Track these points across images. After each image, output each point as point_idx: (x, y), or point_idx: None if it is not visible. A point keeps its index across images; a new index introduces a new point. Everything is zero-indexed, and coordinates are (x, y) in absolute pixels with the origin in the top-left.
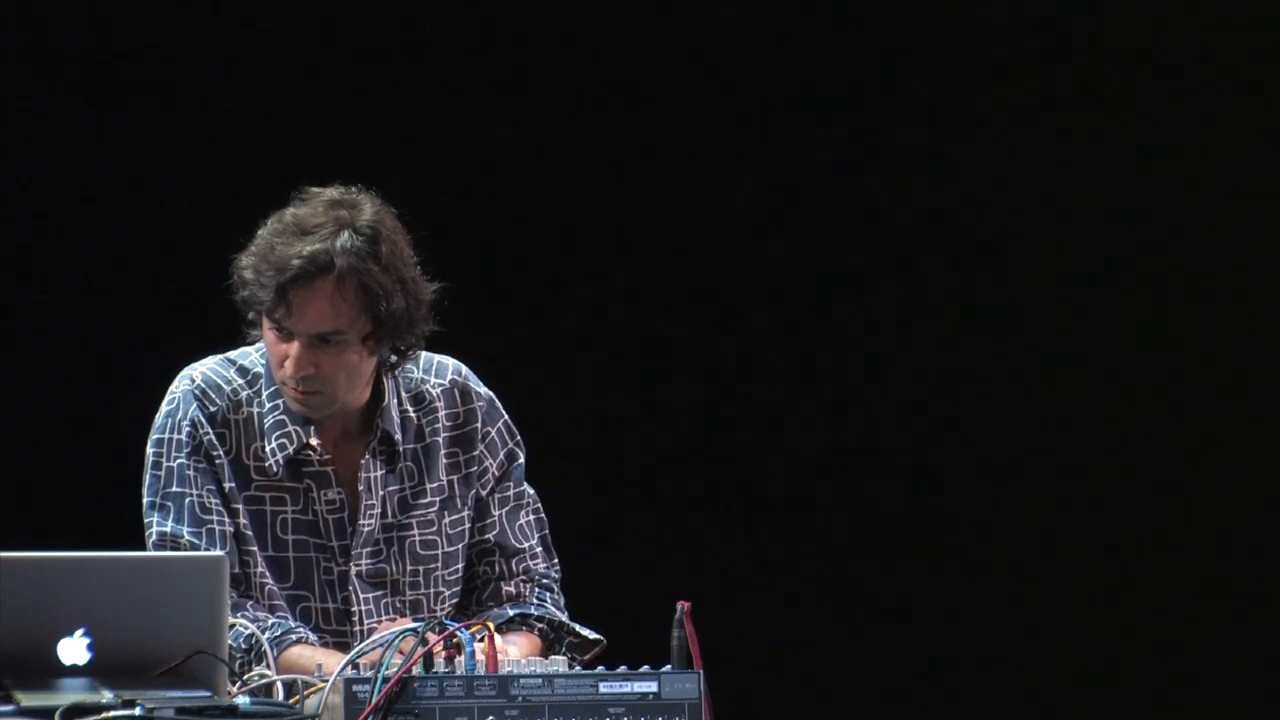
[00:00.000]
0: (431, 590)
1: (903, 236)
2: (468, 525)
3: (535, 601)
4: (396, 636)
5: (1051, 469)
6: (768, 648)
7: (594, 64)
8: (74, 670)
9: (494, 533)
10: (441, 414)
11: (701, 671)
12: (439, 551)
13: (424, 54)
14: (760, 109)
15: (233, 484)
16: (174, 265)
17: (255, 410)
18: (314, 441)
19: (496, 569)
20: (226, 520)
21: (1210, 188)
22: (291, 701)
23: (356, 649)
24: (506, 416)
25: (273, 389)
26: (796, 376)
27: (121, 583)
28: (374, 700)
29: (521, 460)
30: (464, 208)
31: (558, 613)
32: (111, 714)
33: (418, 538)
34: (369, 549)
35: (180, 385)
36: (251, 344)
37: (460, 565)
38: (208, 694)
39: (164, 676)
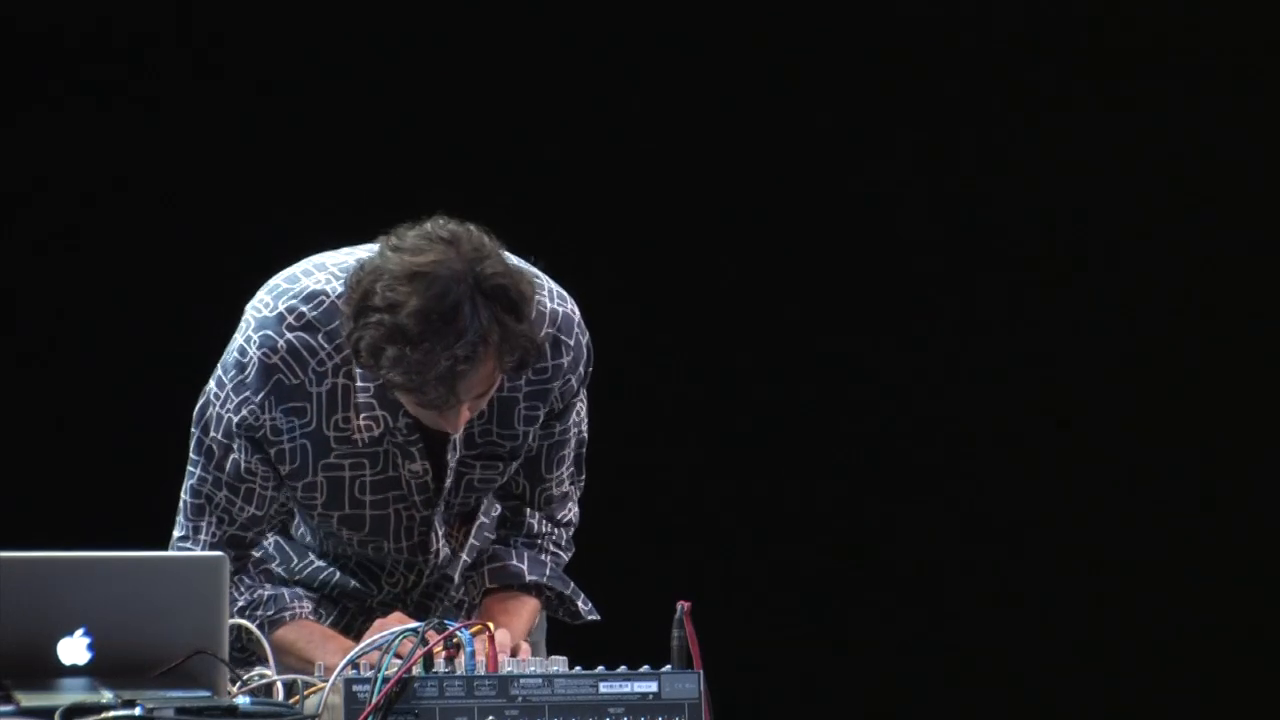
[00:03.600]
0: (479, 505)
1: (898, 251)
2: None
3: (552, 552)
4: (396, 637)
5: (1053, 472)
6: (768, 648)
7: (591, 68)
8: (74, 670)
9: (529, 457)
10: (527, 372)
11: (701, 671)
12: (493, 484)
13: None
14: (760, 111)
15: (304, 461)
16: (171, 265)
17: (342, 381)
18: (400, 424)
19: (519, 487)
20: (270, 483)
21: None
22: (291, 701)
23: (356, 649)
24: (586, 353)
25: None
26: (796, 376)
27: (121, 583)
28: (374, 700)
29: (584, 388)
30: (470, 208)
31: (562, 585)
32: (111, 714)
33: (478, 476)
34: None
35: (255, 351)
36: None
37: None
38: (208, 694)
39: (164, 676)
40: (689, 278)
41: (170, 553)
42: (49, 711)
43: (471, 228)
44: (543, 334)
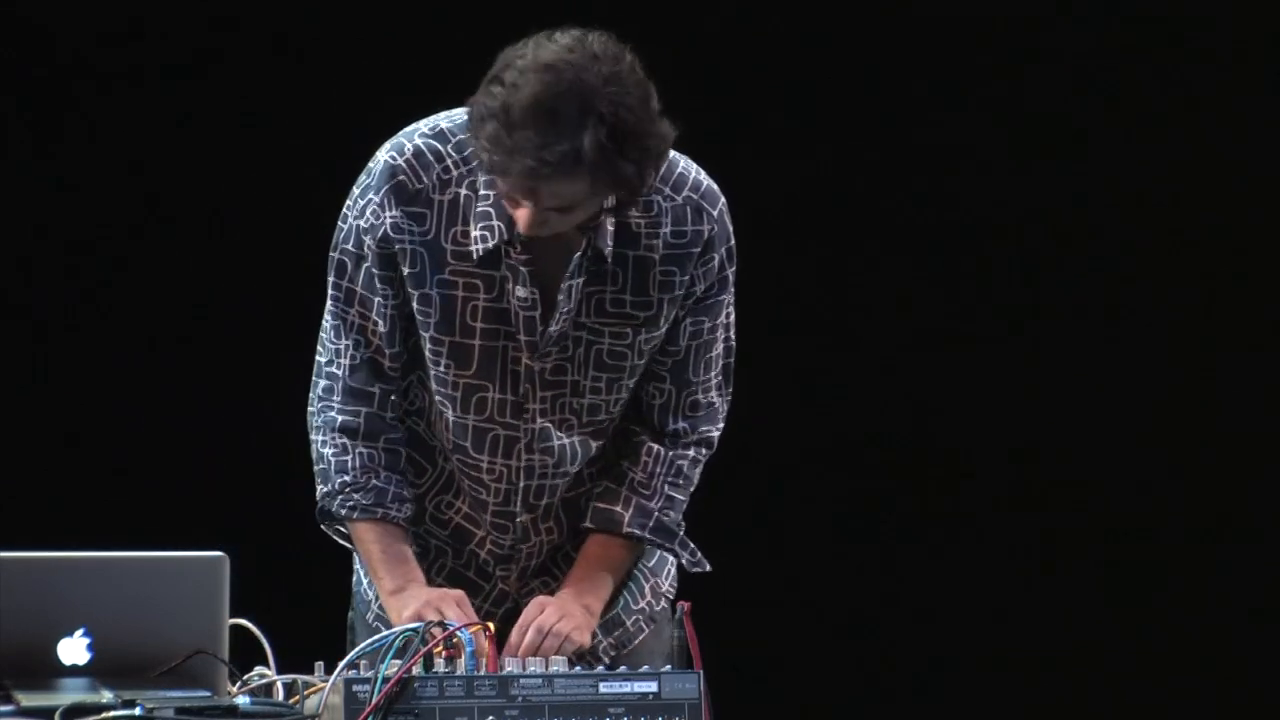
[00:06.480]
0: (611, 397)
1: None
2: (660, 343)
3: (666, 495)
4: (397, 636)
5: (1055, 471)
6: (768, 648)
7: None
8: (74, 670)
9: (675, 360)
10: (666, 230)
11: (701, 671)
12: (627, 364)
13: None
14: (763, 113)
15: (423, 268)
16: (167, 262)
17: (464, 191)
18: (515, 239)
19: (663, 395)
20: (395, 300)
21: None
22: (291, 701)
23: (355, 650)
24: (733, 241)
25: (489, 177)
26: (797, 372)
27: (121, 583)
28: (374, 700)
29: (731, 284)
30: None
31: (665, 538)
32: (111, 714)
33: (607, 347)
34: (557, 348)
35: (384, 155)
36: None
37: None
38: (208, 694)
39: (164, 676)
40: None
41: (170, 553)
42: (49, 711)
43: (628, 54)
44: (683, 197)
